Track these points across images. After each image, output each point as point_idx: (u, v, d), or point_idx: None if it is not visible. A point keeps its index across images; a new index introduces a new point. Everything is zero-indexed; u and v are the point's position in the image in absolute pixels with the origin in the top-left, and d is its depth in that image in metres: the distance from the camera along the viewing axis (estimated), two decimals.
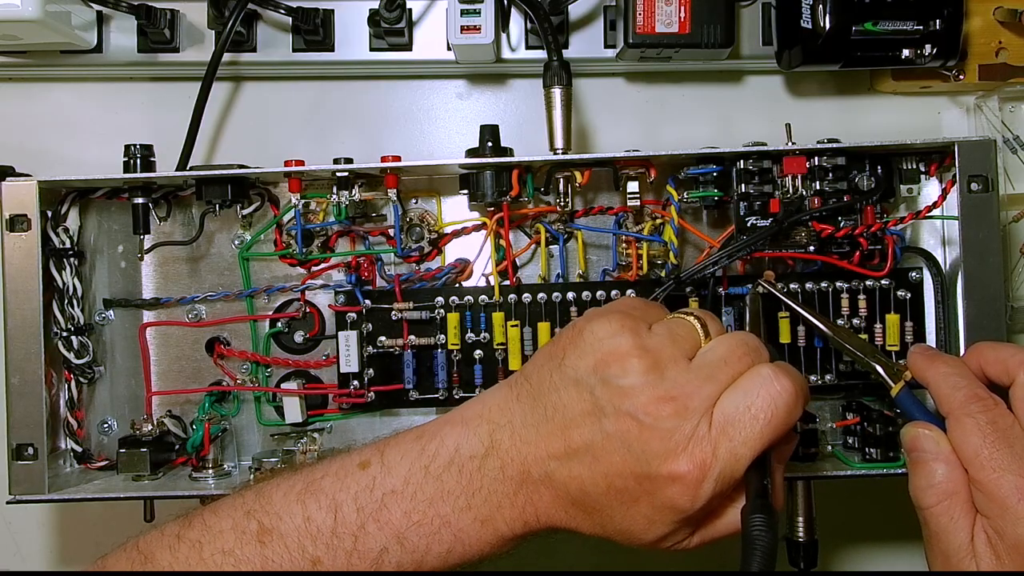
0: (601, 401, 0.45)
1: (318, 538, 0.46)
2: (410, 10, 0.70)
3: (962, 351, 0.60)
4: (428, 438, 0.48)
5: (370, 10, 0.69)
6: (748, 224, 0.62)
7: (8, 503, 0.61)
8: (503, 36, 0.71)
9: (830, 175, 0.62)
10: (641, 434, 0.44)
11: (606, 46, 0.70)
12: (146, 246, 0.67)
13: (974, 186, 0.59)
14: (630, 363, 0.45)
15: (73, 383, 0.64)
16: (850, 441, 0.64)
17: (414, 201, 0.68)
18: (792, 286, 0.63)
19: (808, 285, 0.63)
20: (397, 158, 0.63)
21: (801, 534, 0.63)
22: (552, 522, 0.47)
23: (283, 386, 0.67)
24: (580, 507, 0.46)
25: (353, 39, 0.71)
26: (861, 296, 0.63)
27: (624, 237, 0.65)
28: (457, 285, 0.67)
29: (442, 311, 0.65)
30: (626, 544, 0.47)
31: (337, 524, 0.46)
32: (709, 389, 0.45)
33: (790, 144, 0.61)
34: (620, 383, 0.45)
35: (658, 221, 0.65)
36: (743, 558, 0.42)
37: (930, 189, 0.64)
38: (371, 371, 0.65)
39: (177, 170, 0.66)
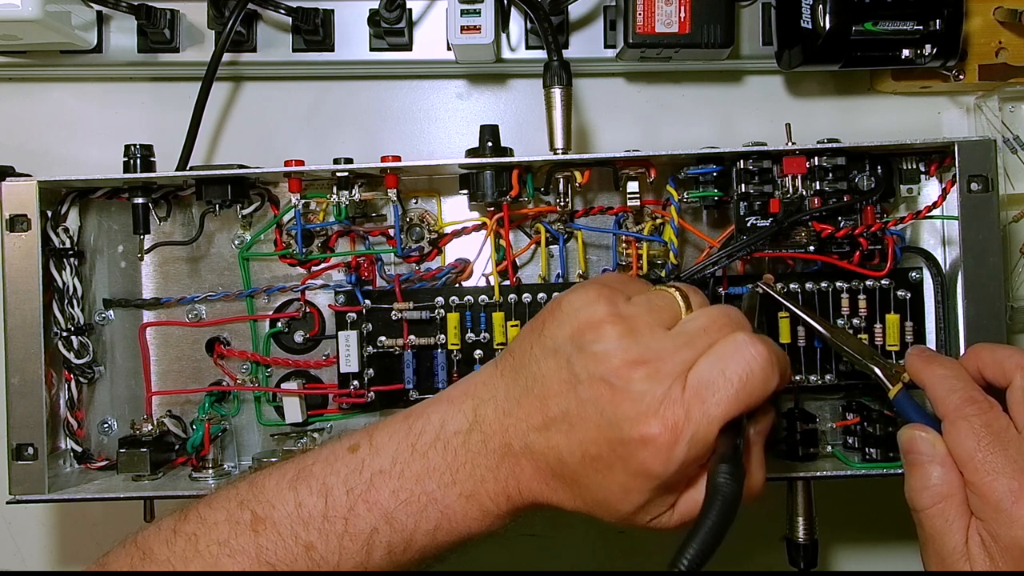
0: (576, 368, 0.45)
1: (310, 523, 0.46)
2: (410, 10, 0.70)
3: (962, 351, 0.60)
4: (415, 417, 0.49)
5: (370, 10, 0.69)
6: (748, 224, 0.62)
7: (8, 503, 0.61)
8: (503, 36, 0.71)
9: (830, 175, 0.62)
10: (613, 398, 0.44)
11: (606, 46, 0.70)
12: (146, 246, 0.67)
13: (974, 186, 0.59)
14: (604, 329, 0.45)
15: (73, 383, 0.64)
16: (850, 441, 0.64)
17: (414, 201, 0.68)
18: (792, 286, 0.63)
19: (808, 285, 0.63)
20: (397, 158, 0.63)
21: (801, 534, 0.63)
22: (534, 495, 0.47)
23: (283, 386, 0.67)
24: (559, 478, 0.46)
25: (353, 39, 0.71)
26: (861, 296, 0.63)
27: (624, 237, 0.65)
28: (457, 285, 0.67)
29: (442, 311, 0.65)
30: (607, 518, 0.46)
31: (328, 508, 0.46)
32: (684, 354, 0.44)
33: (790, 144, 0.61)
34: (594, 349, 0.45)
35: (658, 221, 0.65)
36: (704, 506, 0.42)
37: (930, 189, 0.64)
38: (371, 371, 0.65)
39: (177, 170, 0.66)
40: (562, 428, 0.45)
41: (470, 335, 0.65)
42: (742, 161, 0.62)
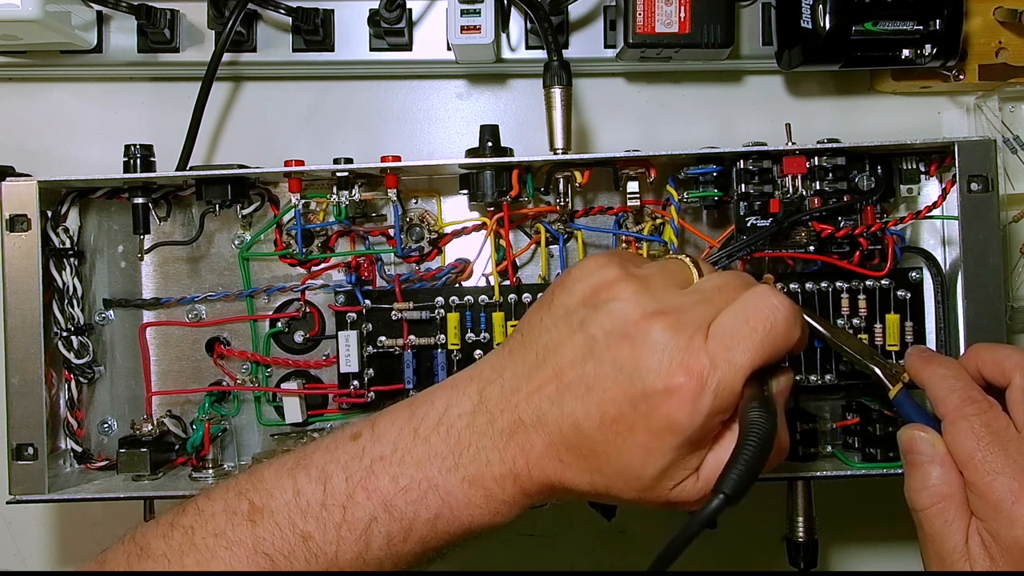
0: (592, 329, 0.44)
1: (308, 512, 0.45)
2: (410, 10, 0.70)
3: (962, 351, 0.60)
4: (419, 403, 0.48)
5: (370, 10, 0.69)
6: (748, 224, 0.62)
7: (8, 503, 0.61)
8: (503, 36, 0.71)
9: (830, 175, 0.62)
10: (633, 351, 0.43)
11: (606, 46, 0.70)
12: (146, 246, 0.67)
13: (974, 186, 0.59)
14: (619, 287, 0.44)
15: (73, 383, 0.64)
16: (850, 441, 0.64)
17: (414, 201, 0.68)
18: (792, 286, 0.63)
19: (808, 285, 0.63)
20: (397, 158, 0.63)
21: (801, 534, 0.63)
22: (545, 475, 0.45)
23: (283, 386, 0.67)
24: (575, 451, 0.44)
25: (353, 39, 0.71)
26: (861, 296, 0.63)
27: (624, 237, 0.65)
28: (457, 285, 0.67)
29: (442, 311, 0.65)
30: (626, 493, 0.45)
31: (326, 496, 0.45)
32: (703, 309, 0.44)
33: (790, 144, 0.61)
34: (610, 307, 0.44)
35: (658, 221, 0.65)
36: (739, 442, 0.42)
37: (930, 189, 0.64)
38: (371, 371, 0.65)
39: (177, 170, 0.66)
40: (578, 392, 0.44)
41: (470, 335, 0.65)
42: (742, 161, 0.62)
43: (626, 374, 0.43)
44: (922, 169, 0.63)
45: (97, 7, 0.69)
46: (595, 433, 0.44)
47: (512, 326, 0.64)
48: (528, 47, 0.71)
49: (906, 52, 0.65)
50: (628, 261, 0.47)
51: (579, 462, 0.45)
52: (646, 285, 0.45)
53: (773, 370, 0.46)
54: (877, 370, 0.54)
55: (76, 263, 0.64)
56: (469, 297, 0.65)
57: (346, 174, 0.63)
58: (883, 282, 0.63)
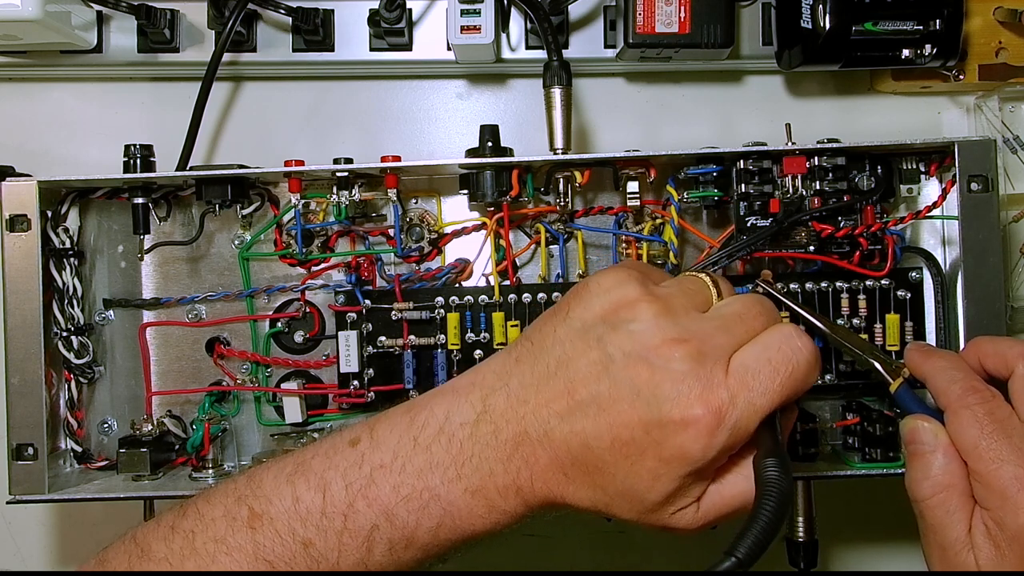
0: (609, 348, 0.44)
1: (308, 519, 0.45)
2: (410, 10, 0.70)
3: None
4: (418, 409, 0.47)
5: (370, 10, 0.69)
6: (748, 224, 0.62)
7: (8, 503, 0.61)
8: (503, 36, 0.71)
9: (830, 175, 0.62)
10: (652, 378, 0.42)
11: (606, 46, 0.70)
12: (146, 246, 0.67)
13: (974, 186, 0.59)
14: (640, 307, 0.44)
15: (73, 383, 0.64)
16: (850, 441, 0.64)
17: (414, 201, 0.68)
18: (792, 286, 0.63)
19: (808, 285, 0.63)
20: (397, 158, 0.63)
21: (801, 534, 0.63)
22: (548, 489, 0.45)
23: (283, 386, 0.67)
24: (580, 467, 0.44)
25: (353, 39, 0.71)
26: (861, 296, 0.63)
27: (624, 237, 0.65)
28: (457, 285, 0.67)
29: (442, 311, 0.65)
30: (626, 513, 0.45)
31: (326, 504, 0.45)
32: (724, 338, 0.44)
33: (790, 144, 0.61)
34: (630, 328, 0.44)
35: (658, 221, 0.65)
36: (757, 501, 0.41)
37: (930, 189, 0.64)
38: (371, 371, 0.65)
39: (177, 170, 0.66)
40: (590, 412, 0.43)
41: (470, 335, 0.65)
42: (742, 161, 0.62)
43: (643, 399, 0.43)
44: (922, 169, 0.63)
45: (97, 7, 0.69)
46: (604, 453, 0.44)
47: (512, 326, 0.64)
48: (528, 47, 0.71)
49: (906, 52, 0.65)
50: (648, 277, 0.47)
51: (583, 478, 0.45)
52: (667, 307, 0.44)
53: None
54: (878, 365, 0.54)
55: (76, 263, 0.64)
56: (469, 297, 0.65)
57: (346, 174, 0.63)
58: (883, 282, 0.63)
